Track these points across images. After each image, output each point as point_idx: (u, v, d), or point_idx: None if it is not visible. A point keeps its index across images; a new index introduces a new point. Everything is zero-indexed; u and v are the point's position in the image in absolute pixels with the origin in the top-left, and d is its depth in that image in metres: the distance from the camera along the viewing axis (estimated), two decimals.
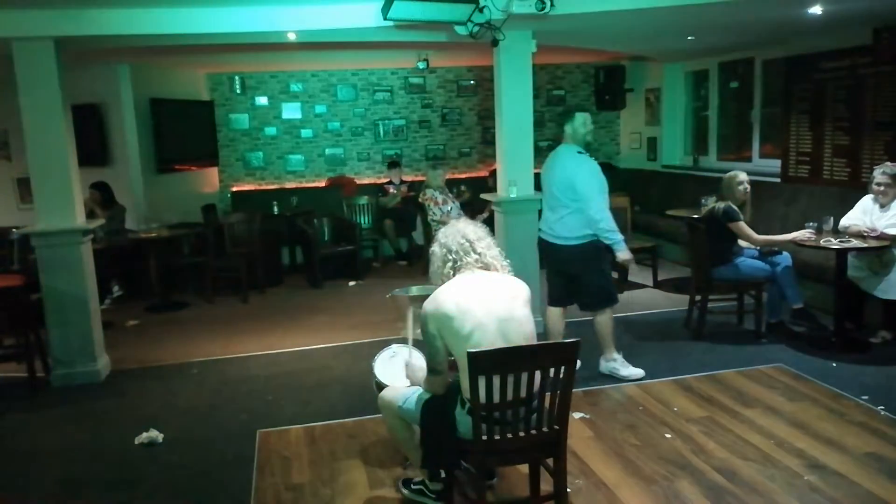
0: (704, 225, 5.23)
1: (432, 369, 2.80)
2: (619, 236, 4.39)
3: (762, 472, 3.32)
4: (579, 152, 4.40)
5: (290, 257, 8.52)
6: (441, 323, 2.64)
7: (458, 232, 2.82)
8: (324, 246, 7.92)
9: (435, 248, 2.86)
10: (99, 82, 7.32)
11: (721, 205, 5.08)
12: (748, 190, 5.18)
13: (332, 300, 7.09)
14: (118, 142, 7.54)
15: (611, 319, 4.60)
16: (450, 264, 2.78)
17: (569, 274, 4.57)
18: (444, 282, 2.76)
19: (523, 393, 2.60)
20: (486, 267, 2.79)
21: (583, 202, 4.33)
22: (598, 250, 4.45)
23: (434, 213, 7.79)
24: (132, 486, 3.50)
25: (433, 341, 2.69)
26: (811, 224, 4.94)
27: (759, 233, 5.13)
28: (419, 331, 2.82)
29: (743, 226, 5.03)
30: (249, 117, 9.11)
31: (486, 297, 2.67)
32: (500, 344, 2.61)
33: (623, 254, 4.41)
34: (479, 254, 2.78)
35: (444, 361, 2.75)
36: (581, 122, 4.42)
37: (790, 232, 5.04)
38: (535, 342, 2.73)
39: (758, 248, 5.23)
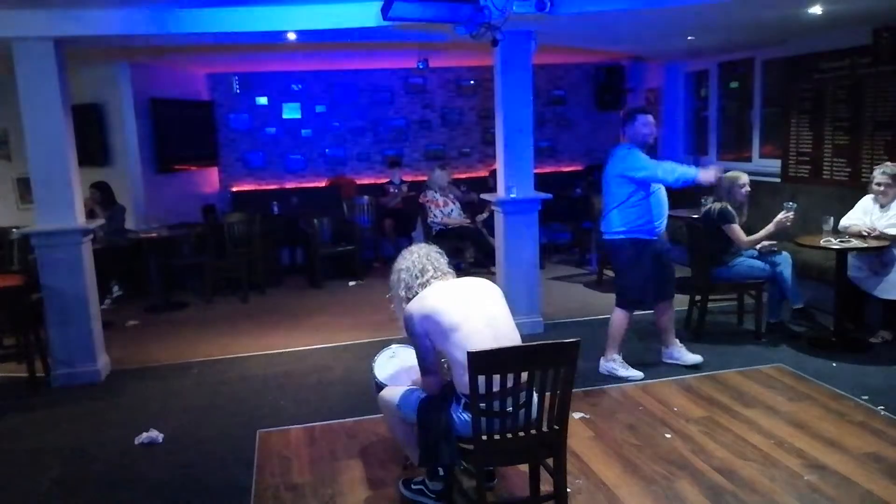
0: (702, 225, 5.22)
1: (425, 370, 2.85)
2: (689, 171, 4.30)
3: (762, 472, 3.32)
4: (629, 148, 4.46)
5: (290, 257, 8.52)
6: (429, 322, 2.70)
7: (422, 254, 2.98)
8: (324, 246, 7.91)
9: (405, 266, 2.95)
10: (99, 82, 7.32)
11: (717, 206, 5.06)
12: (748, 192, 5.17)
13: (332, 300, 7.09)
14: (118, 142, 7.53)
15: (624, 321, 4.62)
16: (421, 277, 2.89)
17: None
18: (408, 301, 2.85)
19: (522, 392, 2.63)
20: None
21: (645, 174, 4.36)
22: (629, 250, 4.48)
23: (434, 214, 7.76)
24: (132, 486, 3.50)
25: (422, 342, 2.75)
26: (788, 205, 4.86)
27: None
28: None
29: (735, 228, 5.01)
30: (249, 117, 9.11)
31: (468, 296, 2.79)
32: (489, 334, 2.68)
33: (706, 175, 4.30)
34: (449, 271, 2.98)
35: (436, 361, 2.83)
36: (642, 124, 4.47)
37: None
38: (518, 335, 2.81)
39: (757, 248, 5.22)
